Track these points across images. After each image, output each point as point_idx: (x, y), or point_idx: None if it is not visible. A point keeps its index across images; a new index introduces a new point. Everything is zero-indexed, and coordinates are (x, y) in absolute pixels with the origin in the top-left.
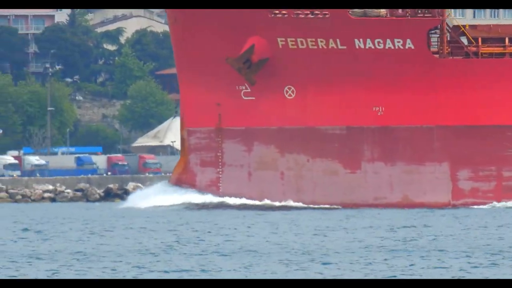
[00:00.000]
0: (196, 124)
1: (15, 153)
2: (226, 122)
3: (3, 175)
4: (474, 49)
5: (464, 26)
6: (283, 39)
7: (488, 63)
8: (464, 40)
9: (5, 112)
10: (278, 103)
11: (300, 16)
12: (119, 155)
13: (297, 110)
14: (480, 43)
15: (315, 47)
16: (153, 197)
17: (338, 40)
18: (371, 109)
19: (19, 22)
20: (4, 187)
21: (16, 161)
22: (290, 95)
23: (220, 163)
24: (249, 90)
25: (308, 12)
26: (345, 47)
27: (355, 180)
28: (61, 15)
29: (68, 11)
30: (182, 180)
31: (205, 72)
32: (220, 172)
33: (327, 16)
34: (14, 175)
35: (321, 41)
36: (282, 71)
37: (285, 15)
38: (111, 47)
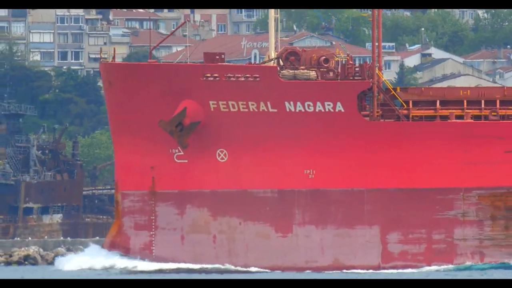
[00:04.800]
0: (130, 187)
1: None
2: (160, 185)
3: None
4: (405, 112)
5: (395, 89)
6: (215, 102)
7: (419, 126)
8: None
9: None
10: (211, 166)
11: (232, 79)
12: None
13: (229, 173)
14: (411, 106)
15: (246, 110)
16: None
17: (268, 103)
18: (302, 172)
19: None
20: None
21: None
22: (222, 158)
23: (153, 227)
24: (182, 153)
25: (240, 75)
26: (276, 110)
27: (286, 243)
28: None
29: None
30: (116, 243)
31: (139, 135)
32: (153, 236)
33: (257, 79)
34: None
35: (252, 104)
36: (214, 134)
37: (217, 78)
38: None
